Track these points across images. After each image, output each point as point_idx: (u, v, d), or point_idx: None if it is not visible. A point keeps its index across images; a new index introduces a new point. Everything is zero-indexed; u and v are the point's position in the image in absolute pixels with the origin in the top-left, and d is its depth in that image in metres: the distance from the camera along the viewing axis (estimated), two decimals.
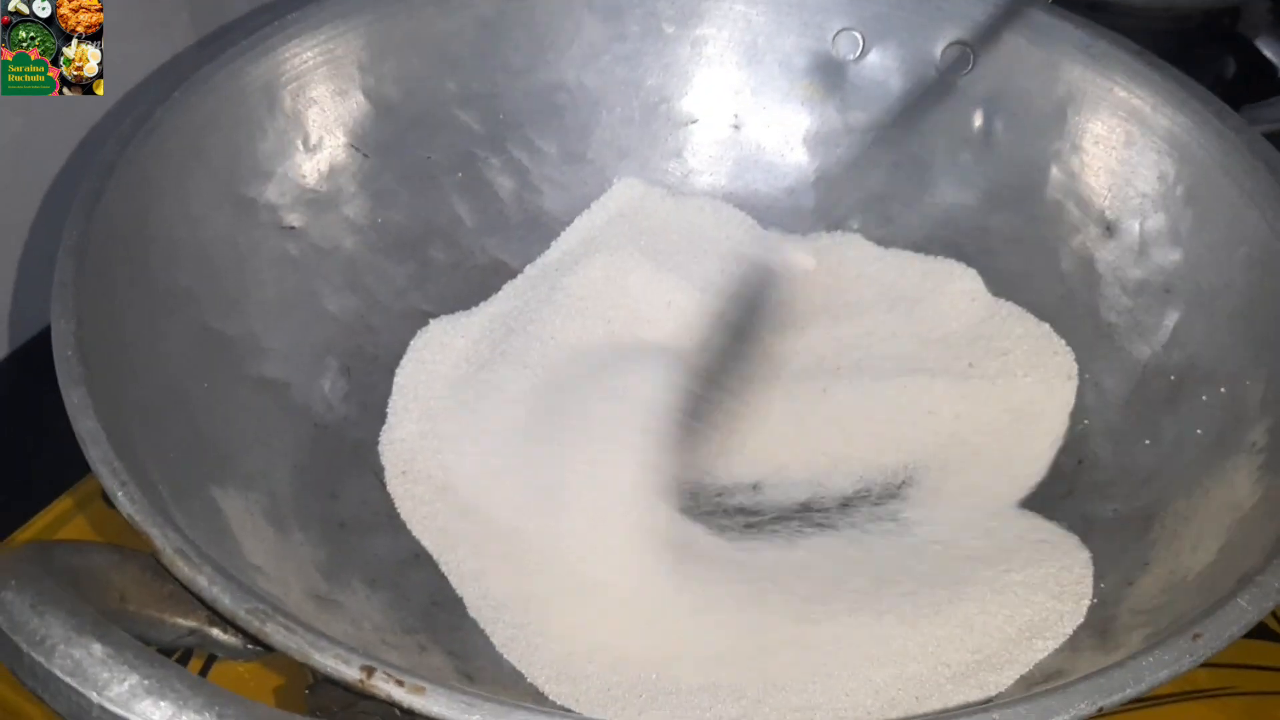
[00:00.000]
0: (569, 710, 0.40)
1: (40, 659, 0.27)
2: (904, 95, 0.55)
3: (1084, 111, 0.51)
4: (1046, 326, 0.51)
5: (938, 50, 0.55)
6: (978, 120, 0.54)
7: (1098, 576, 0.43)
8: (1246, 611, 0.32)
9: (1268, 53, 0.70)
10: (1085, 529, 0.45)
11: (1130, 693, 0.30)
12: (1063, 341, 0.51)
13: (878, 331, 0.52)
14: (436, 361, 0.51)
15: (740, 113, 0.58)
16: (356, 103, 0.52)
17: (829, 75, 0.57)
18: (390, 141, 0.53)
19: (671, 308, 0.53)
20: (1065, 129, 0.52)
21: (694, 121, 0.58)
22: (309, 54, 0.50)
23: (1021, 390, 0.50)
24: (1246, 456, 0.41)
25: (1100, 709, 0.30)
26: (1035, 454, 0.48)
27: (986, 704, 0.30)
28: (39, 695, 0.27)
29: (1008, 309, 0.52)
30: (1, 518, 0.51)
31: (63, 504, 0.52)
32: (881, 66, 0.56)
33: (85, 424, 0.35)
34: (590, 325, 0.52)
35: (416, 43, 0.53)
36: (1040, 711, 0.30)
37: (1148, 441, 0.46)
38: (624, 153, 0.57)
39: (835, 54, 0.56)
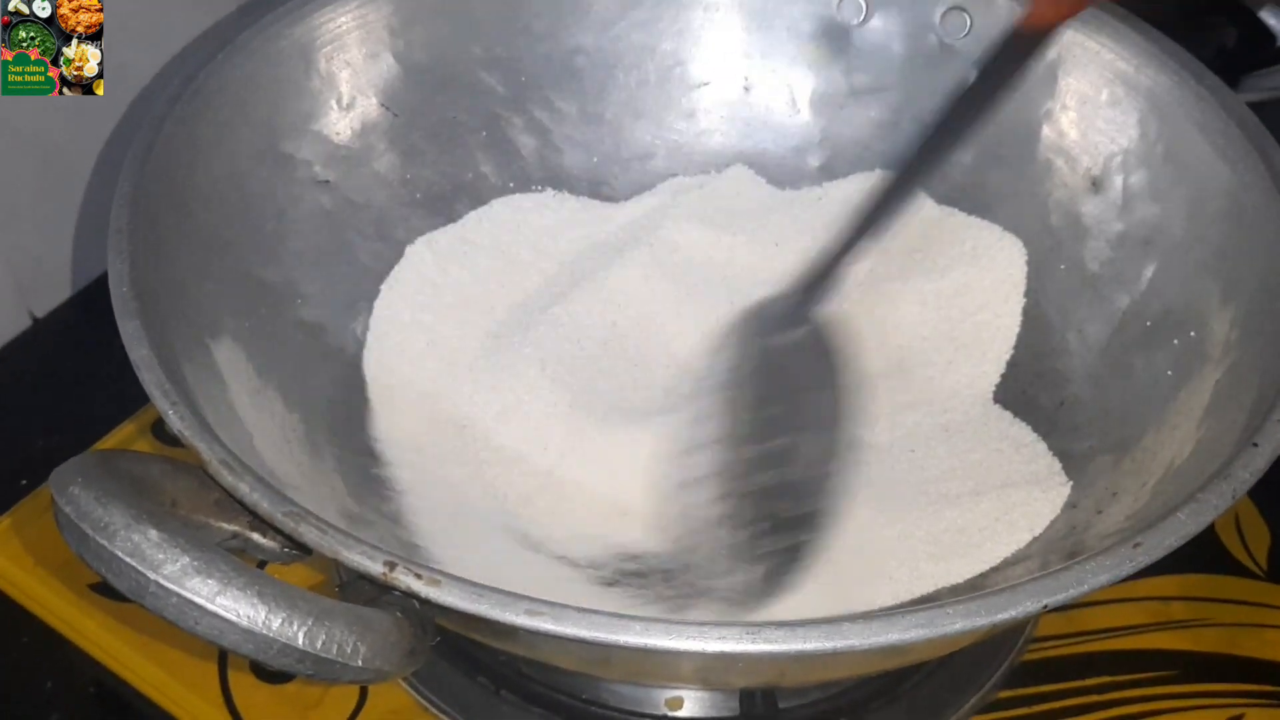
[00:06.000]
0: None
1: (104, 542, 0.30)
2: (905, 58, 0.57)
3: (1073, 73, 0.53)
4: (997, 226, 0.54)
5: (937, 15, 0.56)
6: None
7: (1071, 505, 0.46)
8: (1184, 524, 0.34)
9: (1270, 23, 0.71)
10: (1064, 463, 0.48)
11: (1073, 593, 0.33)
12: (1012, 236, 0.54)
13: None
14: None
15: (750, 75, 0.59)
16: (387, 65, 0.54)
17: (834, 39, 0.58)
18: (419, 102, 0.55)
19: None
20: (1056, 90, 0.53)
21: (706, 84, 0.59)
22: (342, 19, 0.52)
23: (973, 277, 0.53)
24: (1209, 395, 0.43)
25: (1045, 606, 0.32)
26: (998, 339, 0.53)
27: (940, 601, 0.32)
28: (103, 574, 0.31)
29: (959, 218, 0.55)
30: (69, 443, 0.54)
31: (125, 429, 0.56)
32: (884, 31, 0.57)
33: (139, 352, 0.38)
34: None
35: (444, 9, 0.55)
36: (989, 608, 0.32)
37: (1123, 382, 0.48)
38: (640, 113, 0.59)
39: (840, 19, 0.58)
